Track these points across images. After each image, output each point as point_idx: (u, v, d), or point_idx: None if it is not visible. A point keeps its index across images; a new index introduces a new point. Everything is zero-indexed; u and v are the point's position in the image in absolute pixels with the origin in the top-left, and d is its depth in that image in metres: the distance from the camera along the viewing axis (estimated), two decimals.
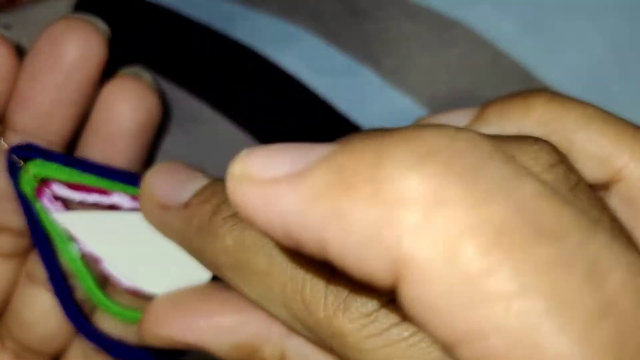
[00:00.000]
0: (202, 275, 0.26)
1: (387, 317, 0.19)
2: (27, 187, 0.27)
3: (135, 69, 0.28)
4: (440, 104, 0.32)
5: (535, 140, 0.18)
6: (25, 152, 0.27)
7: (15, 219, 0.28)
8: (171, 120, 0.31)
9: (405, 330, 0.18)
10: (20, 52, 0.28)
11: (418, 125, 0.15)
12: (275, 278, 0.20)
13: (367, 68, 0.32)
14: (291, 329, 0.21)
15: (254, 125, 0.31)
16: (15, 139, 0.27)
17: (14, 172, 0.27)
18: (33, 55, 0.27)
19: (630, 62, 0.34)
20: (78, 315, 0.28)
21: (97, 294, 0.28)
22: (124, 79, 0.27)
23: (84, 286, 0.28)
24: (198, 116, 0.31)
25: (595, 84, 0.33)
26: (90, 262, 0.28)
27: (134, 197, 0.27)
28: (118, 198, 0.27)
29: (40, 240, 0.27)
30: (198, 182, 0.23)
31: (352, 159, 0.14)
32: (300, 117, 0.31)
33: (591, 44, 0.33)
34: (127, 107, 0.27)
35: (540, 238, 0.13)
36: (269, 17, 0.33)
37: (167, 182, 0.23)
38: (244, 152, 0.16)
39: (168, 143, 0.31)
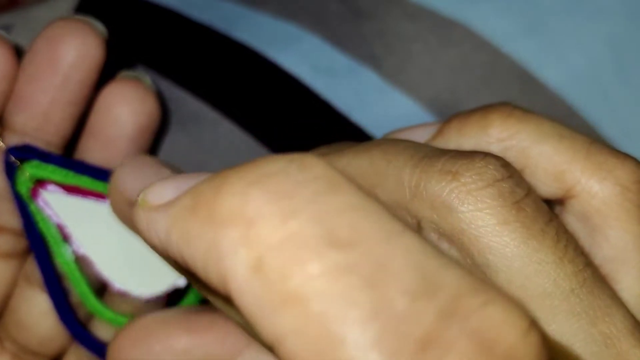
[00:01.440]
0: (181, 280, 0.27)
1: None
2: (23, 188, 0.27)
3: (135, 72, 0.28)
4: (441, 104, 0.32)
5: (483, 156, 0.19)
6: (23, 153, 0.27)
7: (14, 219, 0.28)
8: (172, 121, 0.31)
9: None
10: (19, 53, 0.27)
11: (268, 156, 0.16)
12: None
13: (367, 68, 0.32)
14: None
15: (255, 126, 0.31)
16: (13, 139, 0.27)
17: (10, 172, 0.27)
18: (31, 55, 0.27)
19: (629, 63, 0.34)
20: (72, 320, 0.28)
21: (90, 299, 0.28)
22: (123, 82, 0.27)
23: (77, 290, 0.28)
24: (199, 116, 0.31)
25: (595, 85, 0.33)
26: (84, 265, 0.28)
27: None
28: None
29: (35, 241, 0.27)
30: (193, 179, 0.23)
31: (206, 186, 0.16)
32: (301, 118, 0.32)
33: (591, 45, 0.34)
34: (126, 110, 0.27)
35: (332, 246, 0.14)
36: (270, 18, 0.33)
37: (136, 178, 0.24)
38: (155, 182, 0.18)
39: (169, 143, 0.31)
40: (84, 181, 0.27)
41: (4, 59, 0.27)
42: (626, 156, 0.21)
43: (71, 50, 0.26)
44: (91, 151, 0.28)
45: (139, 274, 0.28)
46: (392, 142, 0.21)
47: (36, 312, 0.28)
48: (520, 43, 0.33)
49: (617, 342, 0.19)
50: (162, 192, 0.17)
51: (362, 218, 0.15)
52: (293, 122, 0.32)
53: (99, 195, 0.27)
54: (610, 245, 0.21)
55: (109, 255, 0.28)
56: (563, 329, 0.19)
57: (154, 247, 0.17)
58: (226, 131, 0.31)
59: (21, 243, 0.28)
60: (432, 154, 0.20)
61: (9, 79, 0.27)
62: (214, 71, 0.32)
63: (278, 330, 0.14)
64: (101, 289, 0.29)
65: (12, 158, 0.27)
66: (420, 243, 0.15)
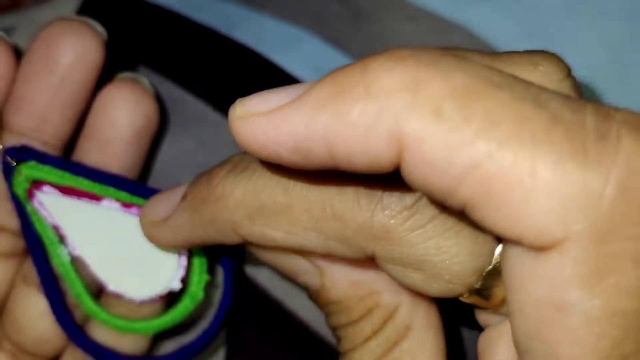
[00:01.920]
0: (175, 284, 0.27)
1: (427, 208, 0.20)
2: (19, 189, 0.27)
3: (134, 74, 0.28)
4: None
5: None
6: (20, 154, 0.26)
7: (13, 219, 0.28)
8: (175, 122, 0.31)
9: (446, 220, 0.20)
10: (19, 54, 0.27)
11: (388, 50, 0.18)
12: (298, 207, 0.21)
13: None
14: (328, 253, 0.21)
15: None
16: (11, 139, 0.27)
17: (8, 173, 0.27)
18: (29, 55, 0.27)
19: (628, 65, 0.34)
20: (68, 321, 0.28)
21: (86, 300, 0.28)
22: (121, 84, 0.27)
23: (73, 291, 0.28)
24: (202, 117, 0.31)
25: (595, 87, 0.34)
26: (80, 266, 0.28)
27: (124, 204, 0.27)
28: (107, 204, 0.27)
29: (32, 242, 0.27)
30: (182, 187, 0.24)
31: (341, 74, 0.18)
32: None
33: (590, 47, 0.34)
34: (123, 112, 0.27)
35: (495, 88, 0.17)
36: (272, 20, 0.33)
37: (156, 202, 0.24)
38: (238, 100, 0.19)
39: (172, 144, 0.31)
40: (80, 182, 0.27)
41: (3, 60, 0.27)
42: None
43: (69, 51, 0.26)
44: (88, 153, 0.28)
45: (133, 276, 0.28)
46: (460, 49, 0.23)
47: (33, 312, 0.28)
48: (520, 45, 0.33)
49: None
50: (268, 100, 0.18)
51: (498, 71, 0.18)
52: None
53: (95, 197, 0.27)
54: None
55: (103, 257, 0.28)
56: None
57: (277, 152, 0.18)
58: (228, 132, 0.31)
59: (20, 243, 0.28)
60: (499, 54, 0.22)
61: (7, 79, 0.27)
62: (216, 72, 0.32)
63: (472, 158, 0.16)
64: (97, 290, 0.29)
65: (9, 158, 0.27)
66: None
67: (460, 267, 0.20)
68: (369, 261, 0.21)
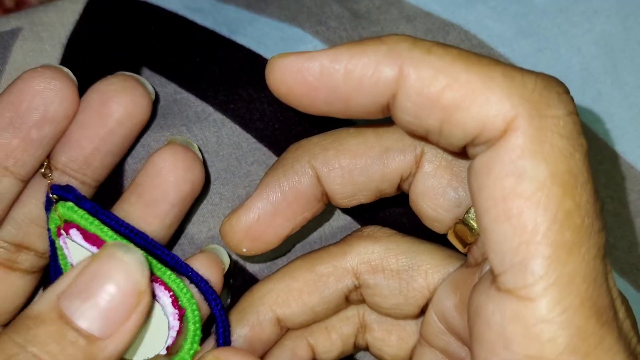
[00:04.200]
0: (160, 348, 0.28)
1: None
2: (53, 224, 0.28)
3: (186, 139, 0.30)
4: None
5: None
6: (63, 192, 0.28)
7: (40, 242, 0.29)
8: (178, 122, 0.31)
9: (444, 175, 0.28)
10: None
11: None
12: None
13: None
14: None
15: (258, 127, 0.32)
16: (54, 175, 0.29)
17: (48, 206, 0.28)
18: (85, 105, 0.28)
19: (622, 63, 0.34)
20: None
21: None
22: (175, 148, 0.29)
23: None
24: (204, 118, 0.31)
25: (588, 86, 0.34)
26: None
27: None
28: None
29: (55, 274, 0.29)
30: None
31: (365, 38, 0.24)
32: (302, 118, 0.32)
33: (584, 47, 0.34)
34: (173, 177, 0.29)
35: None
36: (273, 22, 0.33)
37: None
38: (274, 56, 0.24)
39: None
40: (105, 233, 0.28)
41: (68, 104, 0.28)
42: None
43: (120, 107, 0.28)
44: (133, 207, 0.29)
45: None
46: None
47: None
48: (515, 44, 0.33)
49: None
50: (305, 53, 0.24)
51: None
52: (295, 123, 0.32)
53: None
54: None
55: None
56: None
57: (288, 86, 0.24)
58: (230, 132, 0.31)
59: (40, 263, 0.30)
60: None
61: (67, 122, 0.28)
62: (218, 74, 0.32)
63: (446, 81, 0.22)
64: None
65: (53, 195, 0.28)
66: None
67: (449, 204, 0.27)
68: None
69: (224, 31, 0.33)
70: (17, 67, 0.32)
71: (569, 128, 0.22)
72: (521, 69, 0.23)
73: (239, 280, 0.32)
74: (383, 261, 0.29)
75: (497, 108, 0.22)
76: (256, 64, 0.32)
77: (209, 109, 0.32)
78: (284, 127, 0.32)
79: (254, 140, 0.32)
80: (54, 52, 0.32)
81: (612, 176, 0.33)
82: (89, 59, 0.32)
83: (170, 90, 0.32)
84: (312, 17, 0.33)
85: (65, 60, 0.32)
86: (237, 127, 0.31)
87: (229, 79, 0.32)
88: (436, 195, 0.27)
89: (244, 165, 0.32)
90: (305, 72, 0.24)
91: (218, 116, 0.32)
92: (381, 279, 0.29)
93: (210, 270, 0.29)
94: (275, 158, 0.31)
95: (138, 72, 0.31)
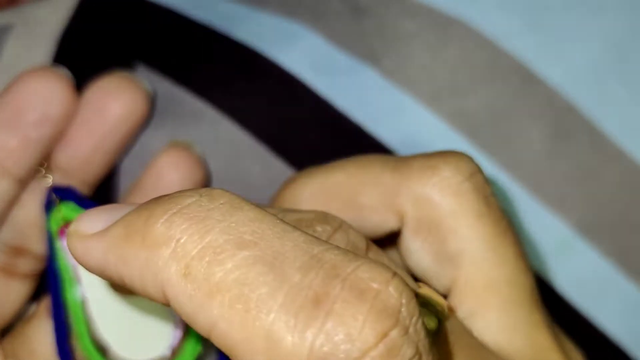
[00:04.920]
0: (164, 350, 0.28)
1: None
2: (54, 225, 0.28)
3: (187, 141, 0.31)
4: (440, 101, 0.32)
5: (454, 152, 0.24)
6: (64, 193, 0.28)
7: (39, 245, 0.29)
8: (172, 120, 0.31)
9: None
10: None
11: (183, 190, 0.21)
12: None
13: (368, 66, 0.32)
14: None
15: (256, 125, 0.31)
16: (54, 175, 0.29)
17: (48, 208, 0.28)
18: (85, 103, 0.29)
19: (629, 59, 0.34)
20: (68, 356, 0.28)
21: (85, 341, 0.28)
22: (176, 150, 0.30)
23: (76, 330, 0.29)
24: (199, 115, 0.31)
25: (594, 81, 0.34)
26: (88, 309, 0.28)
27: None
28: None
29: (53, 277, 0.29)
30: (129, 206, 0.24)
31: (135, 217, 0.20)
32: (301, 117, 0.32)
33: (591, 42, 0.34)
34: (176, 178, 0.29)
35: (240, 247, 0.19)
36: (270, 17, 0.33)
37: (97, 213, 0.24)
38: (80, 214, 0.22)
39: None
40: None
41: (70, 101, 0.28)
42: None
43: (120, 105, 0.29)
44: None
45: (128, 337, 0.28)
46: (362, 157, 0.26)
47: (47, 343, 0.29)
48: (520, 40, 0.33)
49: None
50: (92, 223, 0.21)
51: (260, 224, 0.19)
52: (293, 121, 0.32)
53: None
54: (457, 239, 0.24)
55: (105, 309, 0.28)
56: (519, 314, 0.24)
57: (90, 269, 0.21)
58: (226, 130, 0.31)
59: (38, 267, 0.30)
60: (404, 158, 0.24)
61: (67, 120, 0.29)
62: (215, 70, 0.32)
63: (210, 319, 0.19)
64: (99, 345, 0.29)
65: (53, 196, 0.28)
66: (306, 236, 0.19)
67: None
68: None
69: (220, 26, 0.33)
70: (9, 63, 0.32)
71: None
72: None
73: None
74: None
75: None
76: (254, 60, 0.32)
77: (205, 107, 0.31)
78: (282, 124, 0.32)
79: (251, 138, 0.31)
80: (47, 47, 0.32)
81: (619, 174, 0.33)
82: (83, 55, 0.32)
83: (166, 86, 0.32)
84: (310, 12, 0.33)
85: (59, 56, 0.32)
86: (234, 125, 0.31)
87: (226, 76, 0.32)
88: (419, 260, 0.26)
89: (242, 163, 0.31)
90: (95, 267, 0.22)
91: (214, 114, 0.31)
92: None
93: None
94: (273, 157, 0.31)
95: (133, 68, 0.32)
